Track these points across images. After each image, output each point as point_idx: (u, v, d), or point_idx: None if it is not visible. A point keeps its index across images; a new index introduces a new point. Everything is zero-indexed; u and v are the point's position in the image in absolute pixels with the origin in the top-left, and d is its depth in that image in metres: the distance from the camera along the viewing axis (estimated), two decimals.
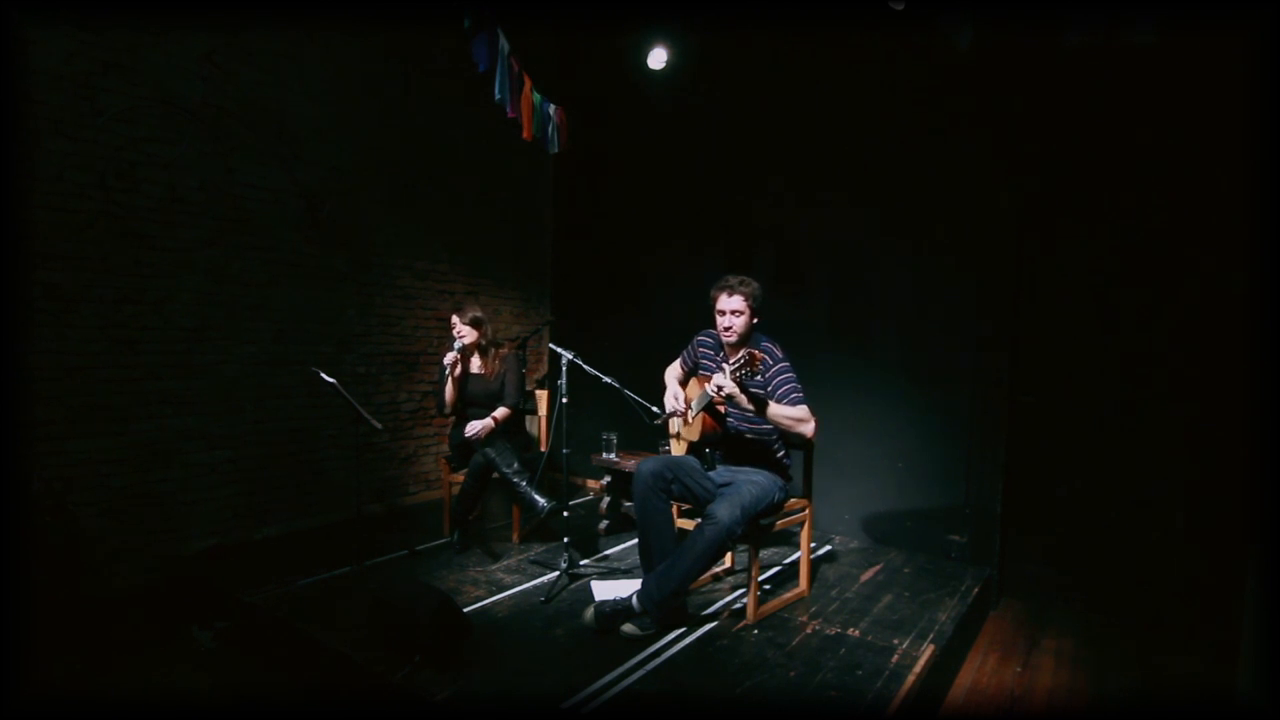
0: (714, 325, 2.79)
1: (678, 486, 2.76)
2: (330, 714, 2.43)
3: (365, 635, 2.48)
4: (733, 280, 2.71)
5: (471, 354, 3.59)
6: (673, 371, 3.11)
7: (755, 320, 2.74)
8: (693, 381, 3.03)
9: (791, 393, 2.65)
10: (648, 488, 2.71)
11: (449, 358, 3.42)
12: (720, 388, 2.50)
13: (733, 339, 2.73)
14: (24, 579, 2.67)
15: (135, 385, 3.23)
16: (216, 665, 2.74)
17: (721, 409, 2.80)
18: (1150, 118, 3.13)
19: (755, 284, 2.72)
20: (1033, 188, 3.39)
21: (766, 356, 2.64)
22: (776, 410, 2.58)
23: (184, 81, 3.33)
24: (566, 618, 2.70)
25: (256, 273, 3.67)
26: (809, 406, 2.65)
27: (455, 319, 3.49)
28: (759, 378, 2.63)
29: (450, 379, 3.48)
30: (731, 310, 2.69)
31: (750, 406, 2.56)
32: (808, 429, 2.63)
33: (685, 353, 3.04)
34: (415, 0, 4.13)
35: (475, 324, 3.49)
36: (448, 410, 3.59)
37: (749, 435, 2.82)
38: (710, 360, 2.92)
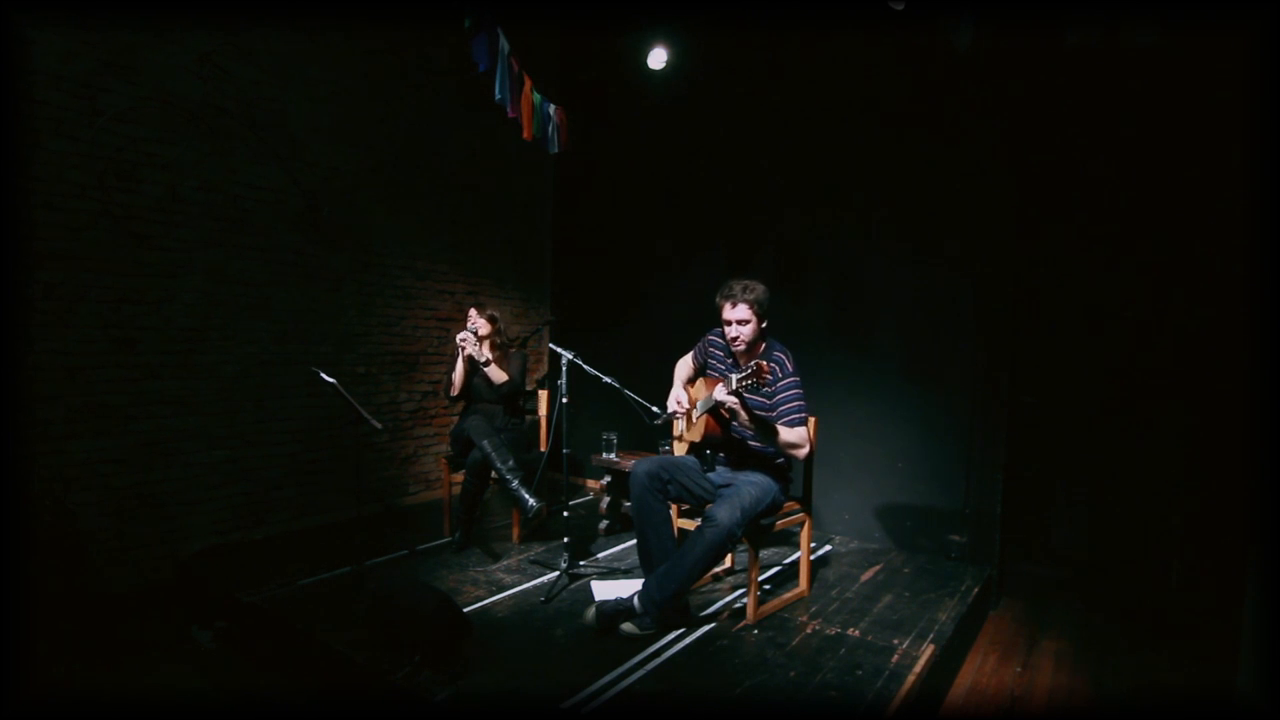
0: (721, 326, 2.75)
1: (674, 487, 2.74)
2: (330, 714, 2.43)
3: (365, 635, 2.48)
4: (736, 288, 2.63)
5: (482, 346, 3.62)
6: (683, 366, 3.06)
7: (764, 325, 2.69)
8: (701, 381, 3.00)
9: (793, 413, 2.60)
10: (643, 488, 2.69)
11: (461, 335, 3.57)
12: (722, 403, 2.49)
13: (741, 348, 2.70)
14: (24, 579, 2.68)
15: (135, 385, 3.23)
16: (216, 665, 2.74)
17: (725, 415, 2.80)
18: (1150, 119, 3.14)
19: (760, 287, 2.64)
20: (1033, 188, 3.39)
21: (776, 368, 2.62)
22: (776, 434, 2.57)
23: (184, 81, 3.32)
24: (566, 618, 2.70)
25: (256, 273, 3.67)
26: (807, 429, 2.64)
27: (473, 311, 3.65)
28: (766, 389, 2.60)
29: (460, 357, 3.60)
30: (738, 320, 2.63)
31: (751, 425, 2.55)
32: (801, 453, 2.62)
33: (697, 348, 3.00)
34: (415, 0, 4.13)
35: (491, 320, 3.65)
36: (454, 393, 3.67)
37: (751, 441, 2.79)
38: (719, 362, 2.88)
